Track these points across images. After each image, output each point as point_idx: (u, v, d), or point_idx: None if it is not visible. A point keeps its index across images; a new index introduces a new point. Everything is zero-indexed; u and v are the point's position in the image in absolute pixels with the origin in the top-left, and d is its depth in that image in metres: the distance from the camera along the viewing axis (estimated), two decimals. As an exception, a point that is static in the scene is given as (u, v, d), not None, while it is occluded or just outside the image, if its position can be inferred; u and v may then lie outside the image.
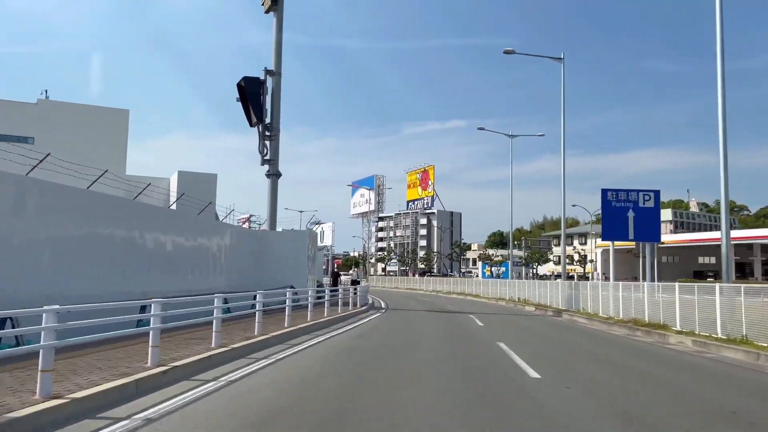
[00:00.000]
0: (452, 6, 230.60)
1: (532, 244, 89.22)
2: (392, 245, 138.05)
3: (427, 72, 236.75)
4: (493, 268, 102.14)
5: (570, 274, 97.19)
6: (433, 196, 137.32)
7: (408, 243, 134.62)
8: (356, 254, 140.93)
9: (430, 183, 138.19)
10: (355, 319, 21.81)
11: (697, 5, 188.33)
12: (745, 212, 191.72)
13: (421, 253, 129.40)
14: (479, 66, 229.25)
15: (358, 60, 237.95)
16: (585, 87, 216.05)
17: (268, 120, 27.59)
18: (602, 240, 24.24)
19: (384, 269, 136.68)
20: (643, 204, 22.46)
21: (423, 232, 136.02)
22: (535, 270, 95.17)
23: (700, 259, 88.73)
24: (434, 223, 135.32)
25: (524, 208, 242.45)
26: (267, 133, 27.53)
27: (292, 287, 25.04)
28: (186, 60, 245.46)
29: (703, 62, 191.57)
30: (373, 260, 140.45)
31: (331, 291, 26.25)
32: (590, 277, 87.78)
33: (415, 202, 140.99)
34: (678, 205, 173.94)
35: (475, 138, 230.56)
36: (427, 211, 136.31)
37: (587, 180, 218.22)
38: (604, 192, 22.86)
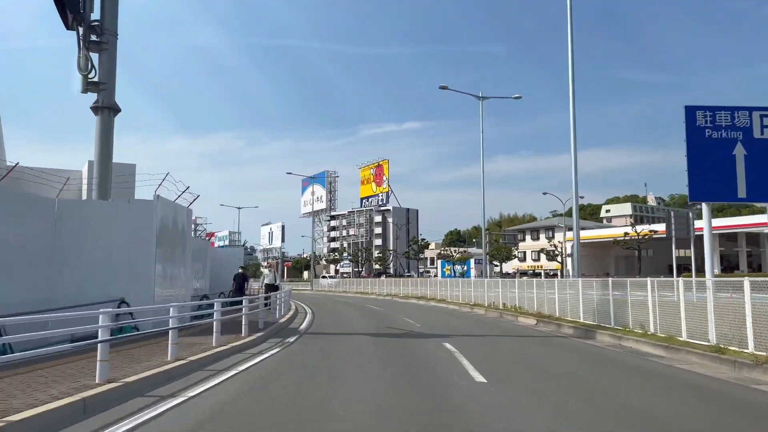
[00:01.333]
0: (407, 12, 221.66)
1: (496, 239, 79.07)
2: (345, 245, 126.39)
3: (381, 75, 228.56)
4: (456, 267, 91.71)
5: (536, 270, 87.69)
6: (388, 192, 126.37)
7: (362, 242, 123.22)
8: (307, 256, 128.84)
9: (384, 178, 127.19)
10: (228, 363, 10.31)
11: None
12: (698, 207, 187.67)
13: (377, 253, 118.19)
14: (433, 70, 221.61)
15: (313, 62, 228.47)
16: (540, 86, 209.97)
17: (95, 15, 15.80)
18: (691, 200, 13.33)
19: (337, 271, 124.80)
20: (763, 133, 11.79)
21: (378, 230, 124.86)
22: (499, 268, 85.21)
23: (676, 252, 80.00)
24: (390, 220, 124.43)
25: (477, 207, 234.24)
26: (93, 38, 15.71)
27: (123, 302, 13.36)
28: (131, 59, 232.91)
29: (651, 69, 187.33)
30: (324, 261, 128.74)
31: (231, 304, 16.31)
32: (559, 275, 78.55)
33: (370, 199, 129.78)
34: (635, 200, 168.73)
35: (431, 140, 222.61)
36: (382, 208, 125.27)
37: (537, 180, 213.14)
38: (691, 113, 12.02)
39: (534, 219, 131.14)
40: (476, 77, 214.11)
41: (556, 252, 68.52)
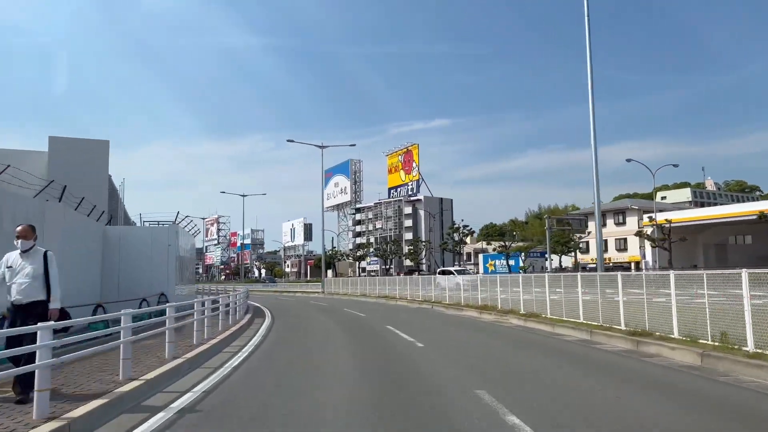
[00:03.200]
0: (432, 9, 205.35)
1: (558, 226, 61.96)
2: (372, 240, 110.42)
3: (410, 73, 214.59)
4: (502, 261, 74.91)
5: (607, 264, 70.22)
6: (418, 180, 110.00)
7: (390, 236, 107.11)
8: (328, 252, 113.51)
9: (414, 165, 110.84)
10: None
11: None
12: (758, 192, 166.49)
13: (407, 248, 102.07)
14: (460, 66, 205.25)
15: (341, 62, 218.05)
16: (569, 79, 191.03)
17: None
18: None
19: (363, 269, 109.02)
20: None
21: (408, 223, 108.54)
22: (557, 262, 68.26)
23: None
24: (421, 212, 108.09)
25: (509, 203, 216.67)
26: None
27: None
28: (164, 65, 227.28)
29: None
30: (349, 259, 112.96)
31: None
32: (632, 268, 61.47)
33: (398, 189, 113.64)
34: (686, 187, 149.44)
35: (459, 137, 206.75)
36: (413, 198, 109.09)
37: (569, 173, 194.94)
38: None
39: (572, 210, 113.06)
40: (504, 71, 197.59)
41: (649, 236, 51.19)
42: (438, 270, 37.69)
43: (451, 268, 37.07)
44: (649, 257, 60.51)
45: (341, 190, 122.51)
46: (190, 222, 28.79)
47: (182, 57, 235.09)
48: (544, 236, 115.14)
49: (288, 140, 44.64)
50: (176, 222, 24.25)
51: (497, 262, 75.63)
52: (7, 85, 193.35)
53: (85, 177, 27.67)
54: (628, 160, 52.80)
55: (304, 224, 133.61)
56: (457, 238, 73.21)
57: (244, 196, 78.70)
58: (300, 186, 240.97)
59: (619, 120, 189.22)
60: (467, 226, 73.66)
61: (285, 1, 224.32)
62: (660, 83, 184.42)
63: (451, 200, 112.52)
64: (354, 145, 49.07)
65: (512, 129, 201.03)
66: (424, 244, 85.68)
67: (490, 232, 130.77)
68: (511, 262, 75.81)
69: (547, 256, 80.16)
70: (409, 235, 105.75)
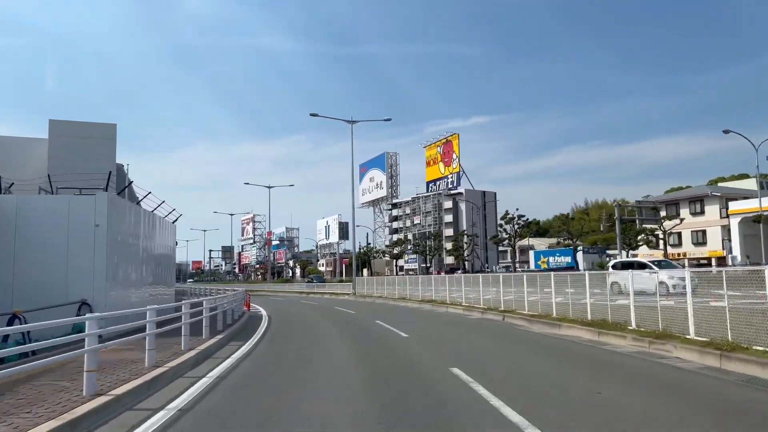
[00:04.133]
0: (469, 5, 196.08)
1: (629, 213, 52.57)
2: (410, 237, 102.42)
3: (446, 71, 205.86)
4: (555, 258, 66.07)
5: (679, 260, 60.56)
6: (459, 173, 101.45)
7: (429, 233, 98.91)
8: (362, 249, 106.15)
9: (454, 157, 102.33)
10: None
11: None
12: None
13: (449, 246, 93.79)
14: (503, 61, 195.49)
15: (379, 62, 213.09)
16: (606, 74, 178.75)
17: None
18: None
19: (400, 267, 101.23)
20: None
21: (448, 218, 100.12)
22: (626, 256, 58.75)
23: None
24: (462, 205, 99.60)
25: (549, 200, 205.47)
26: None
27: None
28: (204, 68, 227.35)
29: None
30: (386, 256, 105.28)
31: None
32: (712, 264, 51.98)
33: (437, 183, 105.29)
34: (743, 179, 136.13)
35: (496, 134, 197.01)
36: (453, 192, 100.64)
37: (610, 170, 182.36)
38: None
39: (626, 203, 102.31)
40: (543, 67, 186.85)
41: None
42: (611, 263, 26.58)
43: (647, 260, 24.90)
44: (737, 251, 50.77)
45: (377, 185, 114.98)
46: (166, 208, 21.62)
47: (221, 59, 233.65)
48: (594, 231, 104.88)
49: (311, 114, 37.25)
50: (138, 201, 17.04)
51: (552, 258, 66.69)
52: (44, 90, 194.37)
53: (88, 163, 24.69)
54: (726, 131, 43.03)
55: (339, 222, 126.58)
56: (510, 230, 64.46)
57: (269, 187, 72.04)
58: (336, 186, 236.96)
59: (664, 114, 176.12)
60: (523, 216, 64.67)
61: (321, 1, 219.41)
62: (703, 78, 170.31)
63: (495, 193, 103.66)
64: (389, 119, 43.29)
65: (551, 125, 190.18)
66: (470, 238, 77.09)
67: (533, 231, 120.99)
68: (566, 259, 66.86)
69: (607, 251, 70.84)
70: (449, 231, 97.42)
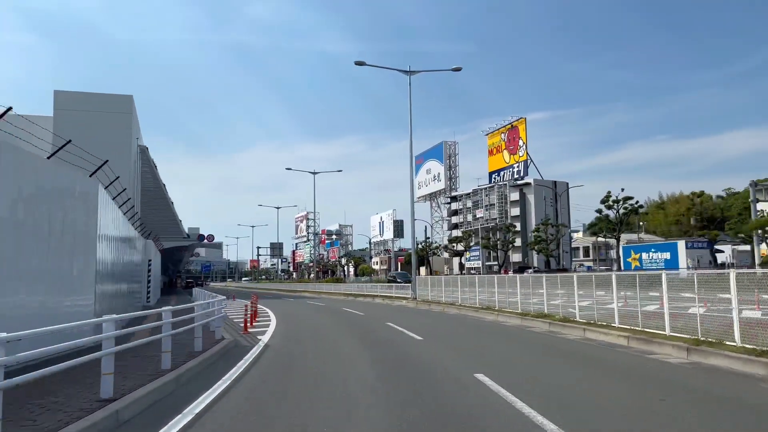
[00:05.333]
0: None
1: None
2: (471, 231, 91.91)
3: (506, 67, 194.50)
4: (652, 254, 54.48)
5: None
6: (526, 161, 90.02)
7: (493, 228, 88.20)
8: (421, 245, 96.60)
9: (521, 144, 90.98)
10: None
11: None
12: None
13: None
14: (565, 53, 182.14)
15: (435, 61, 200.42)
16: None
17: None
18: None
19: (461, 265, 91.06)
20: None
21: (515, 211, 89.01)
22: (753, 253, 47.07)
23: None
24: (530, 197, 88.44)
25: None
26: None
27: None
28: (266, 70, 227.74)
29: None
30: (444, 253, 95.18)
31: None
32: None
33: (501, 173, 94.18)
34: None
35: (556, 130, 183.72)
36: (520, 182, 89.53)
37: (676, 166, 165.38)
38: None
39: (708, 196, 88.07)
40: (614, 57, 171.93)
41: None
42: None
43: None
44: None
45: (434, 177, 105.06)
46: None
47: (283, 62, 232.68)
48: (673, 225, 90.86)
49: (357, 62, 28.25)
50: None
51: (647, 255, 55.04)
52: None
53: (98, 137, 23.31)
54: None
55: (394, 220, 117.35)
56: (614, 216, 53.23)
57: (314, 173, 63.92)
58: (391, 184, 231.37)
59: (734, 107, 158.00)
60: (630, 198, 53.10)
61: (381, 3, 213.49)
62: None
63: (567, 183, 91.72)
64: (459, 69, 34.14)
65: (615, 120, 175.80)
66: (556, 228, 66.17)
67: (603, 227, 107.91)
68: (664, 255, 55.10)
69: (714, 245, 58.39)
70: (516, 226, 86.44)
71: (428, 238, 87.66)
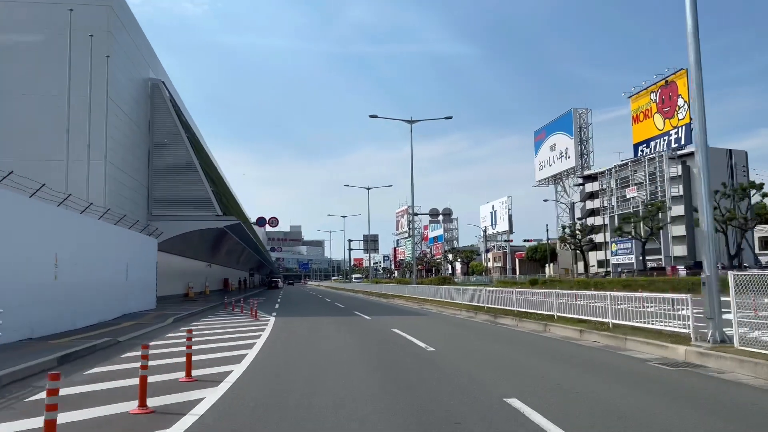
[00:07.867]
0: None
1: None
2: (613, 217, 70.69)
3: (615, 53, 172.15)
4: None
5: None
6: (688, 124, 67.78)
7: (645, 210, 66.51)
8: (549, 241, 76.72)
9: (681, 103, 68.51)
10: None
11: None
12: None
13: (678, 231, 61.10)
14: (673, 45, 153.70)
15: (545, 52, 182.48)
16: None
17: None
18: None
19: (600, 262, 70.33)
20: None
21: (675, 191, 66.67)
22: None
23: None
24: (694, 170, 65.59)
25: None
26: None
27: None
28: (372, 72, 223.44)
29: None
30: (572, 247, 74.41)
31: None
32: None
33: (650, 144, 72.01)
34: None
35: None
36: (680, 152, 67.23)
37: None
38: None
39: None
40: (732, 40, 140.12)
41: None
42: None
43: None
44: None
45: (560, 153, 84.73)
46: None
47: (387, 63, 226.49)
48: None
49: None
50: None
51: None
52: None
53: None
54: None
55: (508, 208, 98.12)
56: None
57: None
58: (501, 174, 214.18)
59: None
60: None
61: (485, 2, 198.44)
62: None
63: (746, 152, 67.93)
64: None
65: (742, 105, 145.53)
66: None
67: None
68: None
69: None
70: (678, 210, 64.50)
71: (563, 227, 68.21)
